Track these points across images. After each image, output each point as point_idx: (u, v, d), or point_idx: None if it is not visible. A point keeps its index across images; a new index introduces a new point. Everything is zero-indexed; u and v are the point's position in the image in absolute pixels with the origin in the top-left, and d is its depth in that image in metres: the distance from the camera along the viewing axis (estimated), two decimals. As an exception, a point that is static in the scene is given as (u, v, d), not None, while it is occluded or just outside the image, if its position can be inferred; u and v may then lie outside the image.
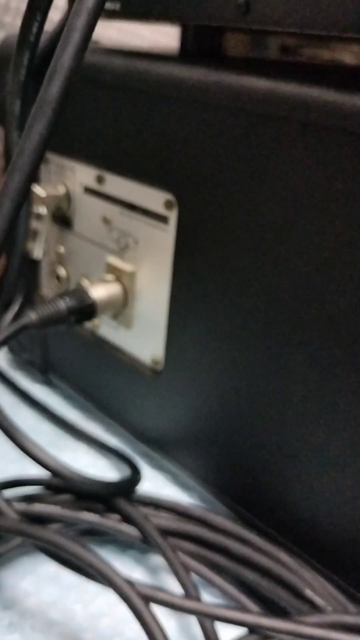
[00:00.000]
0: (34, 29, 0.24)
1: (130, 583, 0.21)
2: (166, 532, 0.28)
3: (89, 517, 0.27)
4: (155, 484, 0.33)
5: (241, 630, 0.25)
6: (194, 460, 0.31)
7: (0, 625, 0.25)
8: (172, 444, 0.32)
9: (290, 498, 0.27)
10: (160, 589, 0.21)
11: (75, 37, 0.17)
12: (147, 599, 0.21)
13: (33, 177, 0.17)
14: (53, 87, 0.16)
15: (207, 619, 0.22)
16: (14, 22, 0.48)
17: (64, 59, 0.16)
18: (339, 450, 0.24)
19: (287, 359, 0.25)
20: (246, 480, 0.29)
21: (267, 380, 0.26)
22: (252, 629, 0.21)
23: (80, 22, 0.16)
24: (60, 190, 0.33)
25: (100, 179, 0.31)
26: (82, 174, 0.32)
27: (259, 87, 0.23)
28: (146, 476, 0.33)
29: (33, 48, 0.25)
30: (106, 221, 0.32)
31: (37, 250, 0.33)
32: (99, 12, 0.18)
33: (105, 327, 0.34)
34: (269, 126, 0.23)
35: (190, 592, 0.25)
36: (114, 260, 0.32)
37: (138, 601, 0.21)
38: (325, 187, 0.22)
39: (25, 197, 0.17)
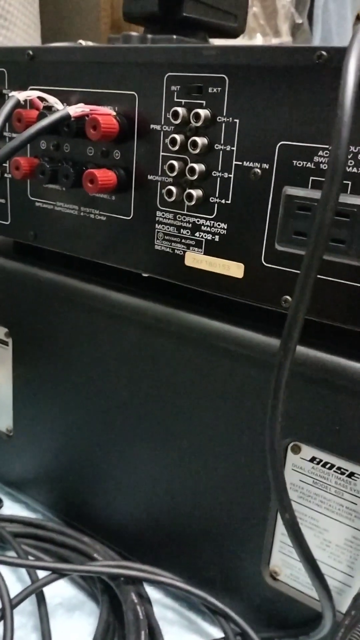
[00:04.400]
0: None
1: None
2: (16, 535, 0.45)
3: (-35, 530, 0.44)
4: (14, 511, 0.50)
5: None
6: (38, 492, 0.49)
7: None
8: (23, 483, 0.50)
9: (94, 509, 0.45)
10: (7, 557, 0.39)
11: None
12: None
13: None
14: None
15: (32, 570, 0.40)
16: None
17: None
18: (124, 483, 0.43)
19: (83, 427, 0.44)
20: (70, 502, 0.47)
21: (74, 441, 0.45)
22: (55, 571, 0.39)
23: None
24: None
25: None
26: None
27: (48, 277, 0.43)
28: (7, 506, 0.50)
29: None
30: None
31: None
32: None
33: (-24, 411, 0.52)
34: (44, 299, 0.43)
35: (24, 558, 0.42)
36: (-22, 368, 0.50)
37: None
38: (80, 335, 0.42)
39: None
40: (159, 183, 0.35)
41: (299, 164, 0.30)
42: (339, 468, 0.33)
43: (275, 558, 0.37)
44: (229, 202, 0.33)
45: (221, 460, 0.37)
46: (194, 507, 0.40)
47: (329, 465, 0.33)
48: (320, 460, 0.33)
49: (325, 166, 0.29)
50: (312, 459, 0.34)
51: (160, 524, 0.42)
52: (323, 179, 0.27)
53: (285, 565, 0.36)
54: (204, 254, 0.35)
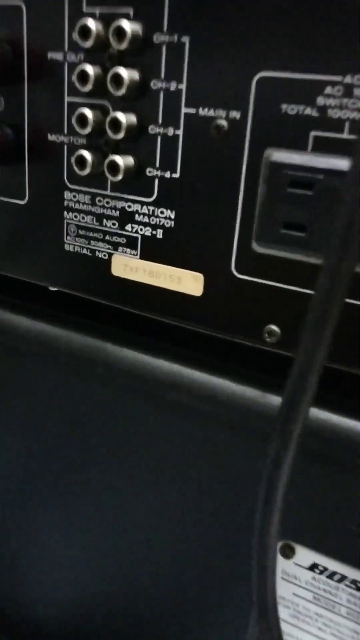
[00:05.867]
0: None
1: None
2: None
3: None
4: None
5: None
6: None
7: None
8: None
9: (11, 605, 0.33)
10: None
11: None
12: None
13: None
14: None
15: None
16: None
17: None
18: (45, 569, 0.31)
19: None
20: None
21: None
22: None
23: None
24: None
25: None
26: None
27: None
28: None
29: None
30: None
31: None
32: None
33: None
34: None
35: None
36: None
37: None
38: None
39: None
40: (65, 146, 0.23)
41: (292, 109, 0.18)
42: (354, 582, 0.22)
43: None
44: (177, 175, 0.20)
45: (179, 544, 0.26)
46: (137, 606, 0.28)
47: (338, 576, 0.22)
48: (325, 569, 0.22)
49: (336, 113, 0.17)
50: (313, 567, 0.22)
51: (94, 625, 0.30)
52: (337, 135, 0.16)
53: None
54: (140, 257, 0.22)
